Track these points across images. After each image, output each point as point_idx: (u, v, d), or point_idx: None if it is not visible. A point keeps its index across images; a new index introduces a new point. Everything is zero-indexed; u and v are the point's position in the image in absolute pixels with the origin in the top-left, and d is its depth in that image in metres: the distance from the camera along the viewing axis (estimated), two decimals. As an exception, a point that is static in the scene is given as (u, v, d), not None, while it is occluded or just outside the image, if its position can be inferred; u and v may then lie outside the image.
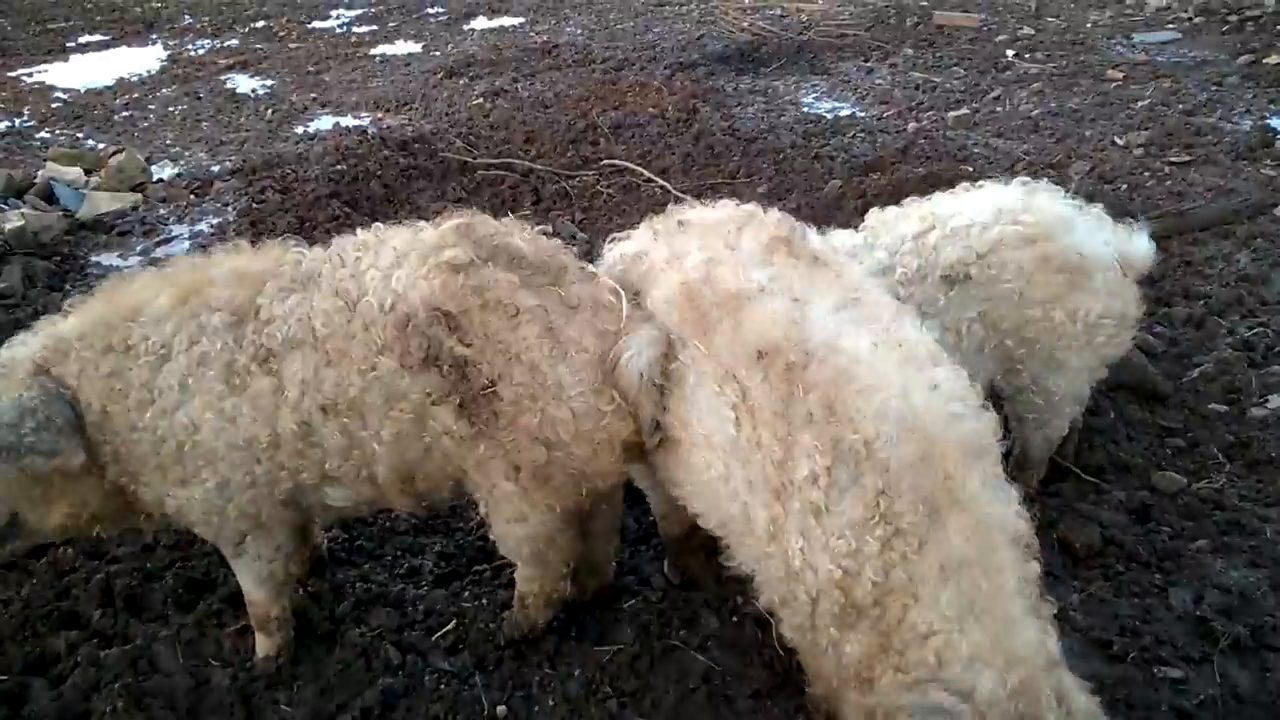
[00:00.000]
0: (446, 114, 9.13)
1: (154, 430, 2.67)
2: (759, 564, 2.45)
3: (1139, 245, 3.38)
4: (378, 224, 2.91)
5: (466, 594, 3.40)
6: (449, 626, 3.23)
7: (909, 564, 2.12)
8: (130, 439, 2.70)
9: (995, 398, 3.43)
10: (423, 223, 2.86)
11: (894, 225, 3.46)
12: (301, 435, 2.67)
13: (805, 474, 2.23)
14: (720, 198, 3.02)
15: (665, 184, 6.91)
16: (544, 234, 2.91)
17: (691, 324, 2.53)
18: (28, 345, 2.76)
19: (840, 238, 3.44)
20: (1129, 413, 4.25)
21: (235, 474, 2.72)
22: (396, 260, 2.69)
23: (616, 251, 2.98)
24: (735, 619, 3.21)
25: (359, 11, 15.04)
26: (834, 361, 2.28)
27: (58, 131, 9.61)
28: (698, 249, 2.66)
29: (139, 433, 2.68)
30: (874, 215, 3.58)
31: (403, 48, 12.47)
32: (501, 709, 2.93)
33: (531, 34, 12.55)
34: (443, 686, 3.00)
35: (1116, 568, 3.45)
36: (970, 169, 6.61)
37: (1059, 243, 3.23)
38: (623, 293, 2.74)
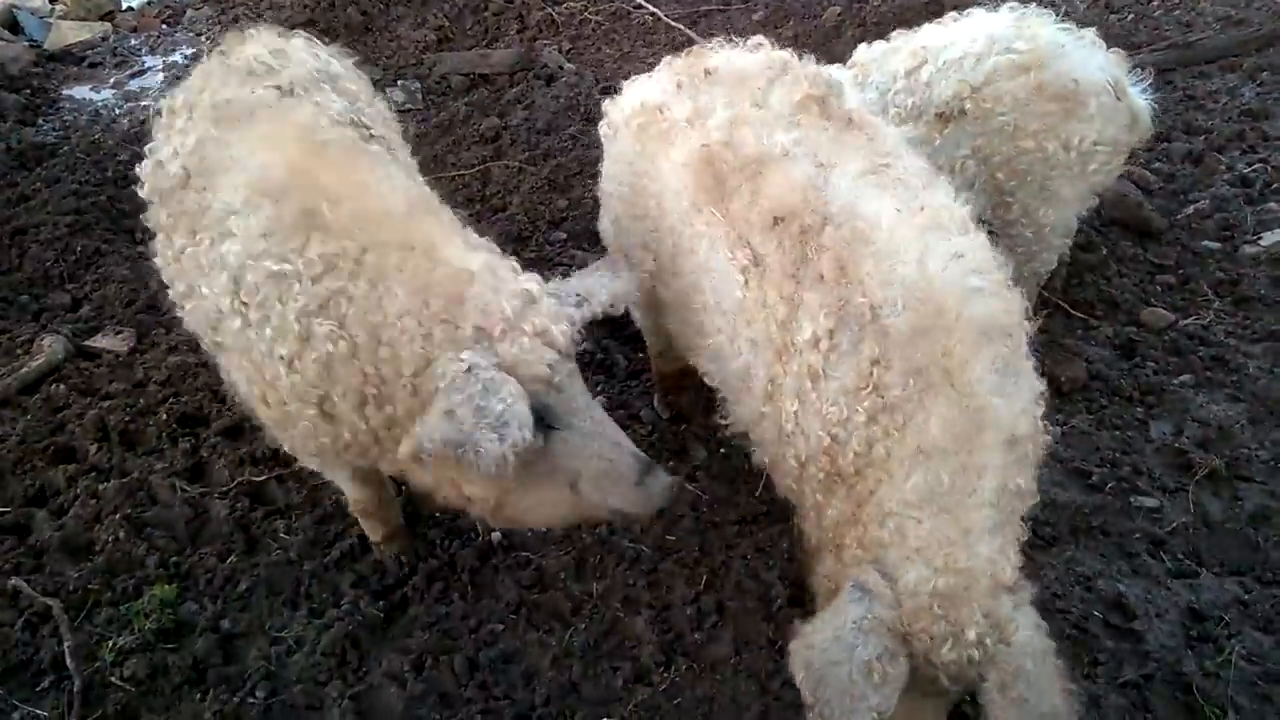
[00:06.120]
0: (426, -64, 8.67)
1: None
2: (754, 425, 2.43)
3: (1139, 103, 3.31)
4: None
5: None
6: (442, 459, 3.28)
7: (890, 439, 2.04)
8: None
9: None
10: None
11: (884, 62, 3.35)
12: None
13: (808, 336, 2.15)
14: (713, 27, 2.88)
15: (656, 10, 6.62)
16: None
17: (708, 190, 2.41)
18: None
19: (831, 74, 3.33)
20: (1121, 249, 4.22)
21: None
22: None
23: (635, 98, 2.78)
24: (722, 451, 3.29)
25: None
26: (852, 225, 2.17)
27: (17, -44, 9.11)
28: (723, 106, 2.50)
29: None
30: (862, 51, 3.46)
31: None
32: (496, 534, 3.02)
33: None
34: (438, 514, 3.08)
35: (1100, 402, 3.50)
36: (973, -4, 6.34)
37: (1053, 70, 3.14)
38: None
